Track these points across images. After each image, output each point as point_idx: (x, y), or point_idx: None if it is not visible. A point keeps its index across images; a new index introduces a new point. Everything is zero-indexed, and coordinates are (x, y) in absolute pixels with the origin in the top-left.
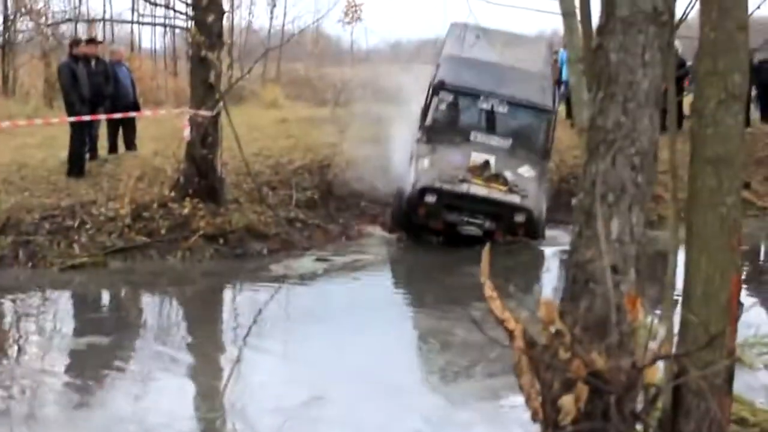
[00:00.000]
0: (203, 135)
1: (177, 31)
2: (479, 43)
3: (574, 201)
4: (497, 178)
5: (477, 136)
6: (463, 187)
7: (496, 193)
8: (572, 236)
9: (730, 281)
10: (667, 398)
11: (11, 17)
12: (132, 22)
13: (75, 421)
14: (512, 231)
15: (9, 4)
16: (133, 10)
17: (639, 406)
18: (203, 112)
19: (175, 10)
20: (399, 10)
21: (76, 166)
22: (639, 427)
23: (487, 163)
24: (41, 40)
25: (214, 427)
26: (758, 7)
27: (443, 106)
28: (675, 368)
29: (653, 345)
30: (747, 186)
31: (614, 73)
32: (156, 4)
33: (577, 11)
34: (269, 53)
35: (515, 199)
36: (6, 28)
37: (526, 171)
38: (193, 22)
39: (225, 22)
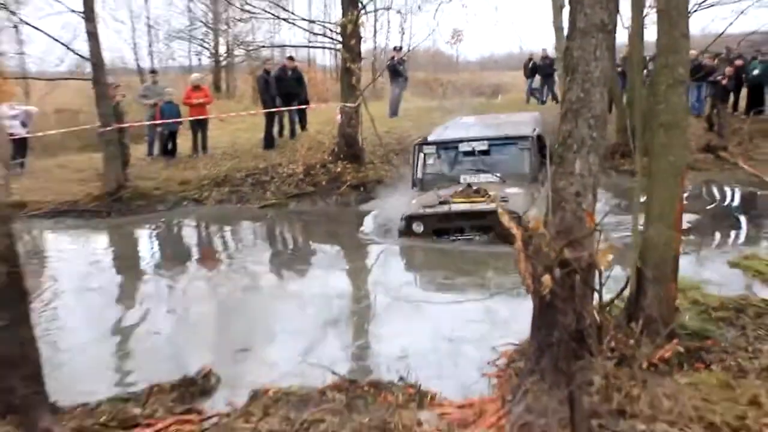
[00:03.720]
0: (349, 119)
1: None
2: (465, 120)
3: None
4: (478, 192)
5: (466, 178)
6: (445, 208)
7: (479, 205)
8: (552, 173)
9: (676, 207)
10: (632, 284)
11: (231, 47)
12: (307, 46)
13: (271, 297)
14: (506, 240)
15: (230, 39)
16: (309, 40)
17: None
18: (349, 105)
19: (332, 39)
20: (492, 31)
21: (269, 142)
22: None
23: (469, 185)
24: (249, 61)
25: (360, 300)
26: (713, 20)
27: (430, 160)
28: (638, 263)
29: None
30: (725, 149)
31: (575, 64)
32: (323, 35)
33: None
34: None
35: (495, 206)
36: (228, 54)
37: (514, 191)
38: (342, 45)
39: (370, 44)
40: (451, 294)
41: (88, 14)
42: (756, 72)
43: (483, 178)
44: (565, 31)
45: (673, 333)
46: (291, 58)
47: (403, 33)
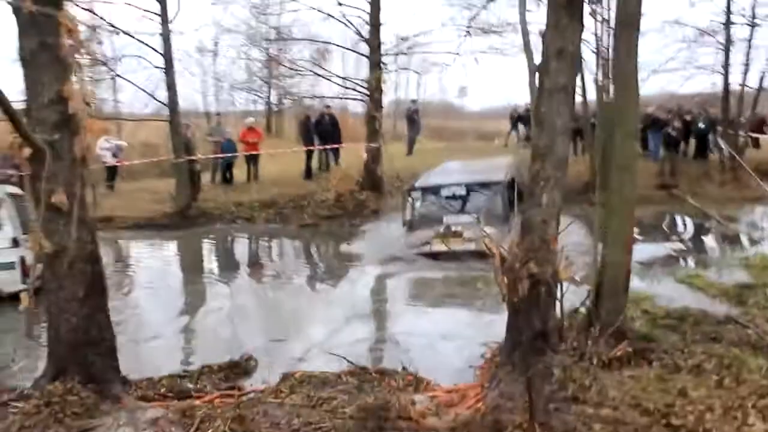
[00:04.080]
0: (373, 157)
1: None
2: (452, 164)
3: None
4: (455, 234)
5: (449, 219)
6: (426, 248)
7: (455, 246)
8: (524, 203)
9: (629, 232)
10: (592, 296)
11: (281, 99)
12: (341, 98)
13: (304, 297)
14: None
15: (280, 90)
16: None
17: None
18: (372, 145)
19: (360, 92)
20: (491, 86)
21: (308, 173)
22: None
23: (449, 227)
24: (295, 108)
25: (375, 303)
26: (668, 83)
27: (417, 204)
28: (598, 278)
29: (563, 262)
30: (676, 187)
31: (543, 118)
32: (353, 89)
33: None
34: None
35: (470, 246)
36: (279, 103)
37: (489, 230)
38: (369, 97)
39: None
40: (449, 301)
41: (167, 69)
42: (702, 126)
43: (462, 218)
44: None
45: (624, 336)
46: (328, 107)
47: (419, 88)
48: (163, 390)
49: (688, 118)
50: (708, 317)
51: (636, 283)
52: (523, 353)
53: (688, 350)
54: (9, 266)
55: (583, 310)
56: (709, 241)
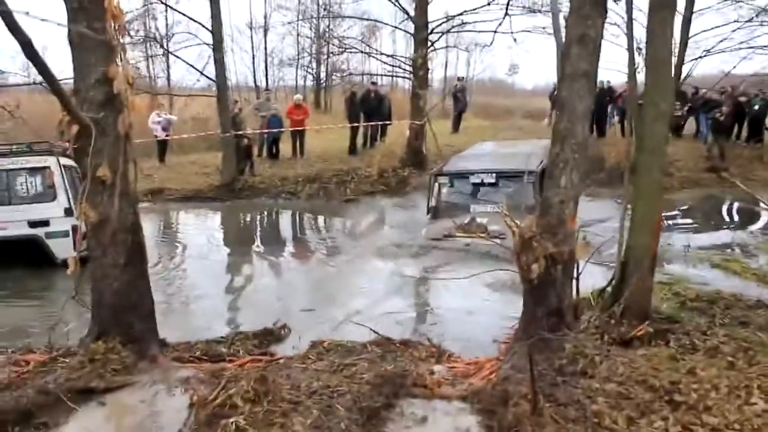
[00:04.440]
0: (416, 134)
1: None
2: (484, 147)
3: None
4: (479, 228)
5: (476, 208)
6: (448, 241)
7: (479, 240)
8: (545, 184)
9: (656, 215)
10: (617, 274)
11: (330, 75)
12: (390, 76)
13: (342, 270)
14: None
15: (328, 67)
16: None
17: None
18: (416, 122)
19: (406, 70)
20: (544, 64)
21: (352, 149)
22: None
23: (473, 219)
24: (343, 85)
25: (410, 278)
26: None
27: (444, 189)
28: (623, 258)
29: (580, 242)
30: (726, 170)
31: (564, 102)
32: (399, 67)
33: None
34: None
35: (495, 242)
36: (327, 79)
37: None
38: (413, 75)
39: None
40: (484, 280)
41: (216, 46)
42: (757, 107)
43: (490, 208)
44: None
45: (647, 316)
46: (374, 83)
47: (468, 66)
48: (198, 353)
49: (742, 99)
50: (740, 301)
51: (671, 266)
52: (532, 329)
53: (710, 332)
54: (63, 234)
55: (609, 290)
56: (756, 226)
